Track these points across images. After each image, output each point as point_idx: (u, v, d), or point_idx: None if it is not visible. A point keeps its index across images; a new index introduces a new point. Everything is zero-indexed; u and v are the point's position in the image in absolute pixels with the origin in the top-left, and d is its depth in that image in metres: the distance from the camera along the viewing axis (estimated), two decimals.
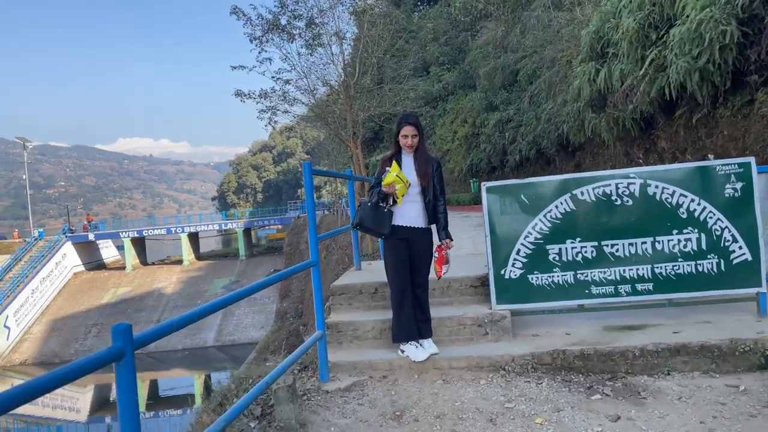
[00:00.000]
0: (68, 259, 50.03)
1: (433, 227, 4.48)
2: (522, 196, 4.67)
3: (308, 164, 4.12)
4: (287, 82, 14.67)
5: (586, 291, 4.61)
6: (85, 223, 55.89)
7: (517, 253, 4.68)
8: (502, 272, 4.69)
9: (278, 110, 15.25)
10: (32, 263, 46.04)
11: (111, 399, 32.92)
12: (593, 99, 12.34)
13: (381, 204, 4.29)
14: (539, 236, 4.65)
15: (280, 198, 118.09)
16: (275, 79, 14.57)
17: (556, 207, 4.62)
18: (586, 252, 4.61)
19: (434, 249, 4.45)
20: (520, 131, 22.82)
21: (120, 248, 55.91)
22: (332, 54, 14.68)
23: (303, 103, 15.66)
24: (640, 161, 11.18)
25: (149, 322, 41.31)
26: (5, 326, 41.16)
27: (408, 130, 4.31)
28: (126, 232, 53.13)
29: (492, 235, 4.70)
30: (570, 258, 4.62)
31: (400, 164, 4.32)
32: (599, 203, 4.58)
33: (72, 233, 52.47)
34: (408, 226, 4.36)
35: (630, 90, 10.03)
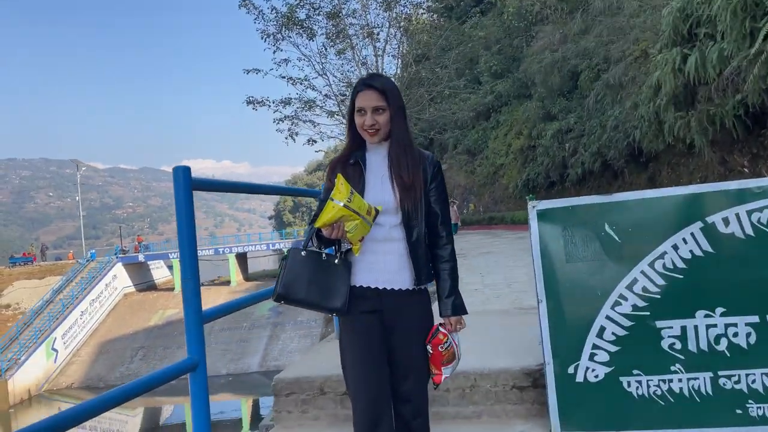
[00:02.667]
0: (118, 280, 50.21)
1: (432, 287, 2.34)
2: (607, 227, 2.48)
3: (181, 170, 2.10)
4: (311, 87, 12.75)
5: (739, 411, 2.36)
6: (136, 244, 56.23)
7: (600, 334, 2.48)
8: (571, 370, 2.50)
9: (299, 120, 13.33)
10: (82, 285, 46.22)
11: (161, 423, 32.24)
12: (677, 94, 9.93)
13: (324, 252, 2.21)
14: (642, 303, 2.45)
15: None
16: (294, 82, 12.64)
17: (676, 248, 2.42)
18: (737, 335, 2.37)
19: (430, 333, 2.30)
20: (582, 141, 20.69)
21: (171, 268, 55.90)
22: (359, 57, 12.73)
23: (332, 112, 13.73)
24: (745, 171, 8.67)
25: None
26: (53, 349, 41.10)
27: (366, 98, 2.24)
28: (174, 253, 52.93)
29: (550, 300, 2.53)
30: (705, 346, 2.39)
31: (361, 170, 2.25)
32: (764, 240, 2.35)
33: (124, 254, 52.81)
34: (380, 288, 2.26)
35: (734, 76, 7.61)
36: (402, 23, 13.75)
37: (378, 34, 14.09)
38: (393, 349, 2.27)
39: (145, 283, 53.23)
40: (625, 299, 2.46)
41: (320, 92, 13.21)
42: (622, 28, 14.14)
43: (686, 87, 9.76)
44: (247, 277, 55.47)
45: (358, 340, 2.23)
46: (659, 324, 2.44)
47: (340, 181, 2.05)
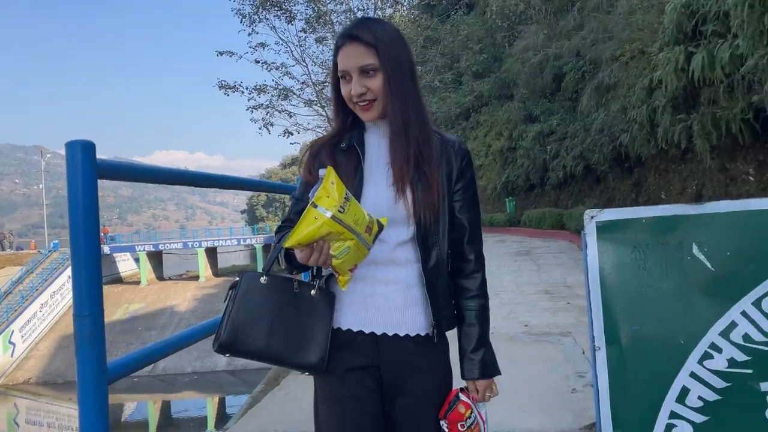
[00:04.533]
0: None
1: (452, 336, 1.61)
2: (696, 250, 1.78)
3: (79, 147, 1.33)
4: (288, 74, 11.88)
5: None
6: (102, 235, 54.68)
7: (681, 398, 1.78)
8: None
9: (275, 109, 12.44)
10: (43, 276, 44.67)
11: (122, 420, 31.28)
12: (677, 96, 9.38)
13: (295, 279, 1.47)
14: (742, 357, 1.76)
15: None
16: (269, 67, 11.74)
17: None
18: None
19: (447, 402, 1.57)
20: (565, 144, 20.38)
21: (137, 261, 54.61)
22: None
23: (310, 101, 12.89)
24: (750, 179, 8.14)
25: None
26: (10, 342, 39.67)
27: (349, 56, 1.47)
28: (142, 245, 51.64)
29: (611, 348, 1.81)
30: None
31: (358, 158, 1.50)
32: None
33: None
34: (378, 333, 1.52)
35: (750, 76, 7.03)
36: (387, 10, 13.05)
37: None
38: (393, 423, 1.54)
39: (110, 276, 51.81)
40: (720, 351, 1.76)
41: (298, 80, 12.37)
42: (614, 28, 13.61)
43: (687, 88, 9.22)
44: (217, 273, 54.23)
45: (343, 413, 1.49)
46: (765, 386, 1.75)
47: (330, 178, 1.29)
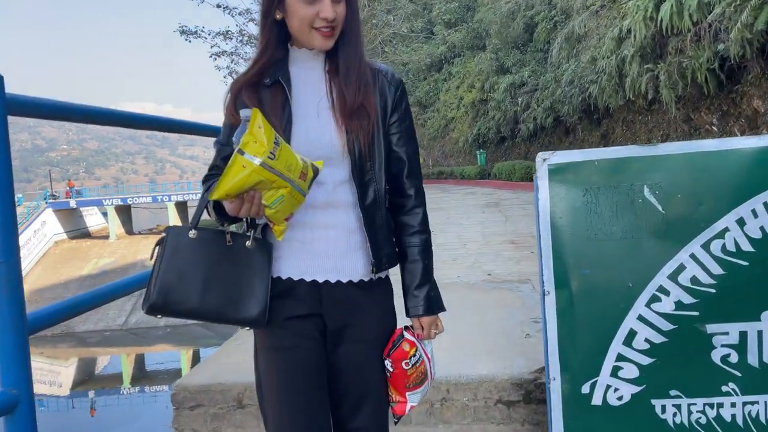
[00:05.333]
0: (48, 226, 47.89)
1: (395, 275, 1.55)
2: (647, 192, 1.74)
3: None
4: (253, 20, 11.44)
5: None
6: (67, 189, 53.59)
7: (628, 340, 1.78)
8: (586, 389, 1.80)
9: (240, 57, 12.04)
10: None
11: (96, 373, 31.36)
12: (645, 45, 9.33)
13: (227, 230, 1.39)
14: (689, 299, 1.75)
15: None
16: (232, 12, 11.27)
17: (742, 223, 1.72)
18: None
19: (391, 341, 1.53)
20: (536, 96, 20.35)
21: (105, 215, 53.83)
22: None
23: None
24: (713, 128, 8.20)
25: (129, 297, 39.23)
26: None
27: None
28: (110, 199, 50.75)
29: (560, 292, 1.79)
30: None
31: (284, 94, 1.40)
32: None
33: (54, 199, 50.29)
34: (319, 281, 1.46)
35: (717, 24, 6.99)
36: None
37: None
38: (338, 370, 1.50)
39: (78, 230, 51.02)
40: (667, 293, 1.75)
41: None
42: None
43: (655, 38, 9.17)
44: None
45: (284, 362, 1.43)
46: (711, 328, 1.75)
47: (257, 121, 1.17)
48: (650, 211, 1.75)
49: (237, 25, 11.55)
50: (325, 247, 1.44)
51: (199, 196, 1.47)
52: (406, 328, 1.54)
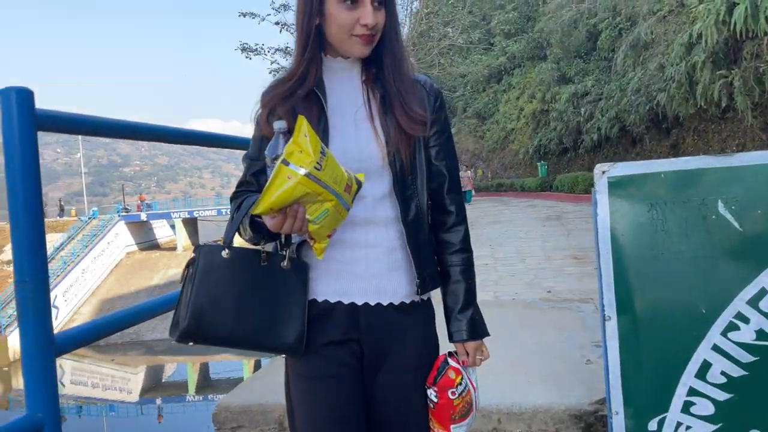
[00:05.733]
0: (120, 238, 50.25)
1: (436, 296, 1.44)
2: (722, 208, 1.57)
3: (15, 93, 1.19)
4: None
5: None
6: (138, 203, 56.12)
7: (702, 373, 1.60)
8: (653, 425, 1.63)
9: None
10: (84, 242, 46.11)
11: (163, 380, 32.45)
12: (718, 50, 8.87)
13: (263, 250, 1.30)
14: None
15: None
16: (291, 29, 11.48)
17: None
18: None
19: (435, 369, 1.41)
20: (599, 106, 19.80)
21: (173, 228, 56.08)
22: None
23: None
24: None
25: None
26: (54, 306, 41.09)
27: None
28: (177, 212, 52.82)
29: (623, 317, 1.63)
30: None
31: (320, 105, 1.31)
32: None
33: (126, 212, 52.91)
34: (358, 303, 1.35)
35: None
36: None
37: None
38: (376, 401, 1.39)
39: (148, 242, 53.29)
40: (746, 321, 1.56)
41: None
42: None
43: (728, 42, 8.70)
44: None
45: (322, 392, 1.34)
46: None
47: (302, 129, 1.08)
48: (725, 229, 1.56)
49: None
50: (365, 267, 1.34)
51: None
52: (450, 354, 1.42)
